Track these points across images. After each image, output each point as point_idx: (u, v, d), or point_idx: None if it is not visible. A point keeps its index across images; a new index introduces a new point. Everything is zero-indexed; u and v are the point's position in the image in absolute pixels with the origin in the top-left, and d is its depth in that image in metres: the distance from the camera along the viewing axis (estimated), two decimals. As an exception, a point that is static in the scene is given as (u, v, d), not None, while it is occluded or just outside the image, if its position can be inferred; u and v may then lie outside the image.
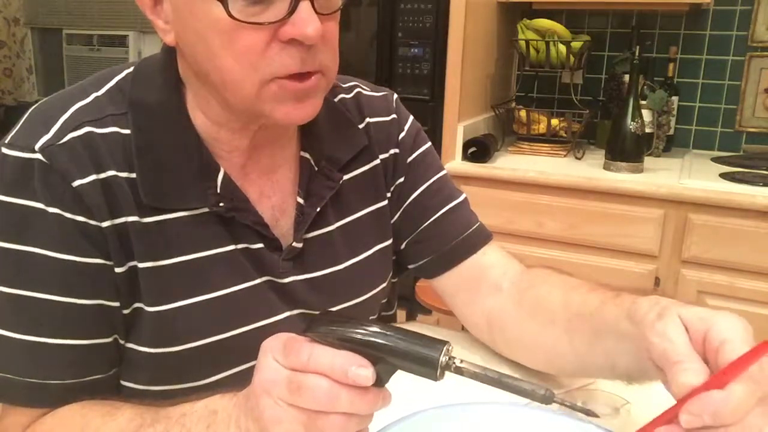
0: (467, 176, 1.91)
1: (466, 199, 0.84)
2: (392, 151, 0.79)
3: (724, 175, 1.81)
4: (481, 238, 0.82)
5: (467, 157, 1.96)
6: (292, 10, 0.56)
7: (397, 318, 0.96)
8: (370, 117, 0.79)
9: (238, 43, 0.57)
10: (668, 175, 1.83)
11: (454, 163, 1.97)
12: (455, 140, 1.97)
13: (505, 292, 0.77)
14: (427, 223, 0.80)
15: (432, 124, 1.97)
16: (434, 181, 0.81)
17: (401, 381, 0.74)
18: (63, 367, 0.61)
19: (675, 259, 1.77)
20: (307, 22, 0.56)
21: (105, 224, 0.61)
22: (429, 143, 0.84)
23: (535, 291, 0.75)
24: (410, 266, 0.83)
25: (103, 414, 0.60)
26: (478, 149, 1.95)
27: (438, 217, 0.80)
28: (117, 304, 0.63)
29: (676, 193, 1.72)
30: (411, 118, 0.83)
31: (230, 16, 0.55)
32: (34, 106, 0.65)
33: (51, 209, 0.59)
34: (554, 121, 2.11)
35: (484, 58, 2.14)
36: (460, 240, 0.80)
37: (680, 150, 2.18)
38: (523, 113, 2.14)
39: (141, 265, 0.63)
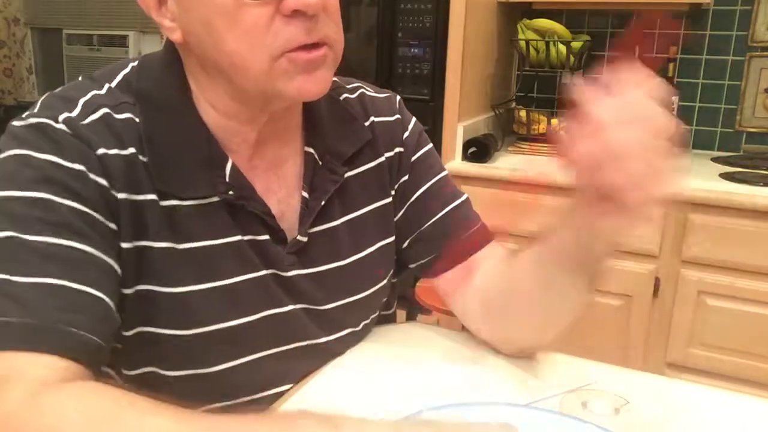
0: (467, 176, 1.91)
1: (468, 199, 0.84)
2: (397, 150, 0.80)
3: (724, 175, 1.81)
4: (483, 238, 0.82)
5: (467, 157, 1.96)
6: None
7: (397, 318, 0.96)
8: (375, 116, 0.80)
9: (243, 22, 0.58)
10: (668, 175, 1.83)
11: (454, 163, 1.97)
12: (455, 140, 1.97)
13: (491, 281, 0.78)
14: (429, 223, 0.81)
15: (432, 124, 1.97)
16: (436, 181, 0.82)
17: (400, 381, 0.74)
18: (58, 311, 0.55)
19: (675, 259, 1.77)
20: None
21: (121, 196, 0.61)
22: (431, 145, 0.85)
23: (509, 272, 0.76)
24: (411, 265, 0.84)
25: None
26: (478, 149, 1.95)
27: (440, 217, 0.81)
28: (119, 273, 0.62)
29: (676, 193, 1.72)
30: (414, 119, 0.84)
31: None
32: (47, 93, 0.65)
33: (75, 166, 0.59)
34: (554, 121, 2.11)
35: (484, 58, 2.14)
36: (462, 240, 0.80)
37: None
38: (523, 113, 2.14)
39: (156, 245, 0.64)
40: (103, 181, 0.60)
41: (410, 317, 1.87)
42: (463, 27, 1.91)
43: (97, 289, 0.58)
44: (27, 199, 0.57)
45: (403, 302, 1.83)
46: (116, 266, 0.61)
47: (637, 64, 0.52)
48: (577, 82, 0.47)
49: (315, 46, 0.61)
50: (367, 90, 0.82)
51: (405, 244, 0.82)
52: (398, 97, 0.84)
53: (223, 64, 0.61)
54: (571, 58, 2.06)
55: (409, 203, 0.81)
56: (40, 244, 0.56)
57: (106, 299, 0.59)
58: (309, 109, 0.74)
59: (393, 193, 0.80)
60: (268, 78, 0.60)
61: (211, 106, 0.67)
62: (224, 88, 0.65)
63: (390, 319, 0.93)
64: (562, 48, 2.06)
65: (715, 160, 2.03)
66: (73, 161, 0.59)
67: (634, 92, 0.52)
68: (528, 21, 2.13)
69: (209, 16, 0.59)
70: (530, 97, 2.37)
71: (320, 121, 0.74)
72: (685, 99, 2.18)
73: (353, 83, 0.82)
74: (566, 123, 0.53)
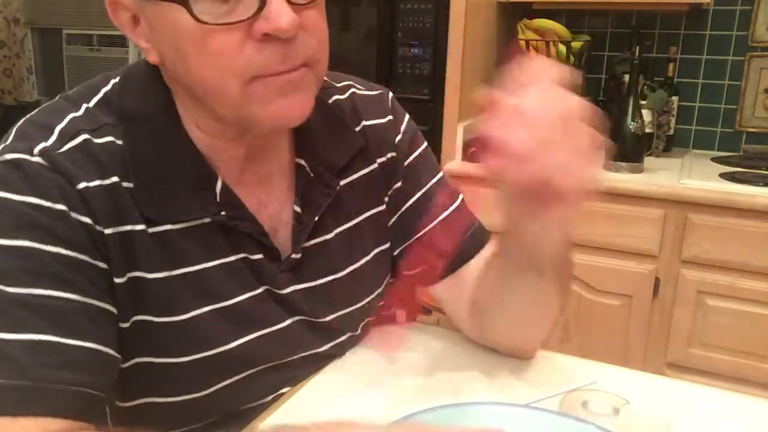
0: (467, 176, 1.90)
1: (463, 201, 0.83)
2: (390, 155, 0.78)
3: (724, 175, 1.80)
4: (477, 244, 0.80)
5: (467, 157, 1.96)
6: (262, 3, 0.53)
7: (397, 317, 0.96)
8: (366, 119, 0.77)
9: (210, 47, 0.54)
10: (668, 175, 1.83)
11: (454, 163, 1.96)
12: (455, 140, 1.97)
13: (475, 287, 0.77)
14: (420, 234, 0.79)
15: (432, 124, 1.97)
16: (431, 187, 0.80)
17: (400, 382, 0.74)
18: (48, 369, 0.53)
19: (675, 259, 1.77)
20: (279, 15, 0.53)
21: (108, 231, 0.58)
22: (425, 144, 0.82)
23: (485, 277, 0.76)
24: (405, 272, 0.82)
25: None
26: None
27: (432, 227, 0.79)
28: (115, 311, 0.60)
29: (676, 193, 1.72)
30: (407, 117, 0.81)
31: (197, 20, 0.53)
32: (22, 120, 0.61)
33: (57, 206, 0.55)
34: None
35: (484, 58, 2.14)
36: (453, 249, 0.79)
37: (680, 150, 2.18)
38: (523, 113, 2.13)
39: (150, 275, 0.61)
40: (86, 219, 0.57)
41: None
42: (463, 27, 1.91)
43: (90, 341, 0.55)
44: (7, 247, 0.54)
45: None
46: (110, 307, 0.59)
47: (535, 57, 0.53)
48: (483, 87, 0.50)
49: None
50: (358, 88, 0.79)
51: (396, 252, 0.81)
52: (390, 94, 0.81)
53: (196, 89, 0.58)
54: (571, 58, 2.06)
55: (402, 211, 0.79)
56: (24, 297, 0.53)
57: (101, 348, 0.57)
58: None
59: (387, 199, 0.78)
60: (242, 105, 0.57)
61: (196, 126, 0.64)
62: (204, 110, 0.62)
63: (390, 319, 0.92)
64: (562, 48, 2.06)
65: (715, 160, 2.03)
66: (53, 201, 0.55)
67: (544, 80, 0.52)
68: (528, 21, 2.12)
69: (177, 40, 0.55)
70: (530, 97, 2.36)
71: (310, 128, 0.70)
72: (685, 99, 2.18)
73: (344, 81, 0.79)
74: (483, 127, 0.54)
